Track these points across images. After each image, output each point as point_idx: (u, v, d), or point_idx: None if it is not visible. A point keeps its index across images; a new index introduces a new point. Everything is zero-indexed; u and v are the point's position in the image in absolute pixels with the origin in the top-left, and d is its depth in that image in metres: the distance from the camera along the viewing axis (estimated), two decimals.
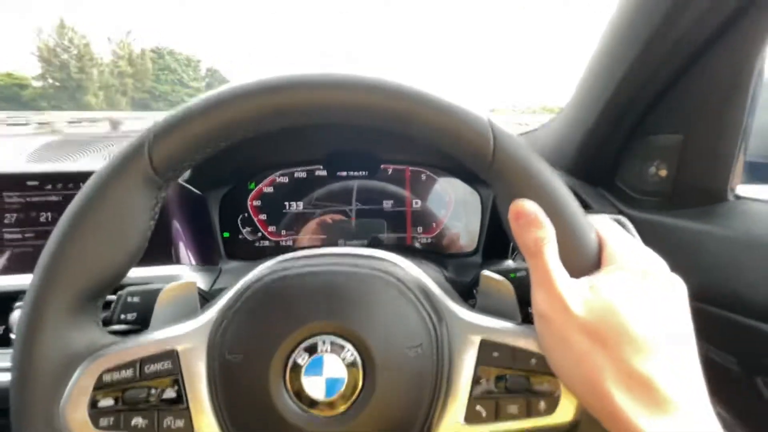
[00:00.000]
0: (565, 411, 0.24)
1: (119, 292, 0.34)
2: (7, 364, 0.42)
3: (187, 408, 0.23)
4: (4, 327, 0.43)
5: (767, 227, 0.35)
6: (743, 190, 0.42)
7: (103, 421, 0.23)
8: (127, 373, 0.23)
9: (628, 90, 0.41)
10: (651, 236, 0.40)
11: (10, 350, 0.43)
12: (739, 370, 0.36)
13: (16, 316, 0.43)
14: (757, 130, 0.41)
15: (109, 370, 0.23)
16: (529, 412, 0.24)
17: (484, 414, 0.24)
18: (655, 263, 0.23)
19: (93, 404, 0.23)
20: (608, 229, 0.25)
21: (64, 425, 0.22)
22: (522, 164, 0.23)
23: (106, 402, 0.23)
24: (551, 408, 0.24)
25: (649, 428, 0.19)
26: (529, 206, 0.23)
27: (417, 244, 0.56)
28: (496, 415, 0.24)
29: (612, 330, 0.20)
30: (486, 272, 0.30)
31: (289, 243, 0.55)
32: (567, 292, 0.21)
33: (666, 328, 0.21)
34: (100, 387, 0.23)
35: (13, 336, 0.44)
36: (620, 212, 0.46)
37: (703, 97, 0.38)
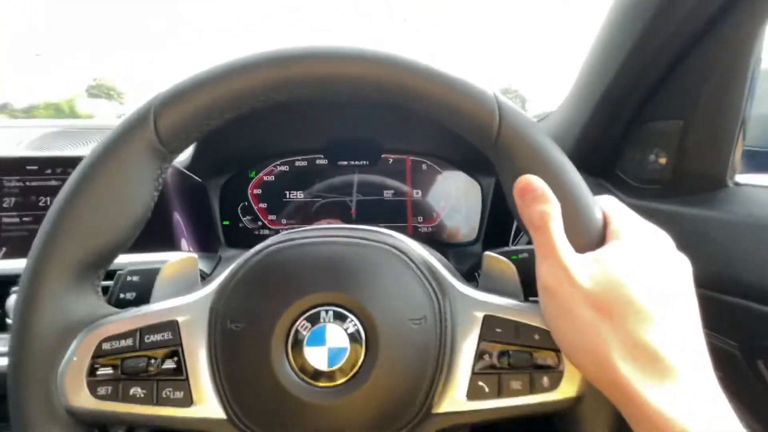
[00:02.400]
0: (569, 386, 0.24)
1: (118, 272, 0.33)
2: (5, 348, 0.42)
3: (186, 379, 0.23)
4: (0, 311, 0.43)
5: (767, 212, 0.36)
6: (743, 178, 0.42)
7: (101, 390, 0.23)
8: (127, 342, 0.23)
9: (626, 77, 0.41)
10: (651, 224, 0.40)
11: (7, 335, 0.43)
12: (741, 354, 0.36)
13: (13, 300, 0.43)
14: (757, 119, 0.41)
15: (108, 339, 0.23)
16: (532, 387, 0.24)
17: (486, 390, 0.24)
18: (661, 238, 0.24)
19: (91, 372, 0.23)
20: (613, 206, 0.25)
21: (62, 393, 0.22)
22: (528, 140, 0.23)
23: (105, 371, 0.23)
24: (554, 383, 0.24)
25: (652, 396, 0.19)
26: (535, 181, 0.23)
27: (417, 234, 0.56)
28: (499, 391, 0.24)
29: (617, 301, 0.20)
30: (489, 253, 0.30)
31: None
32: (572, 265, 0.21)
33: (670, 300, 0.21)
34: (99, 355, 0.23)
35: (10, 321, 0.43)
36: (620, 201, 0.47)
37: (702, 83, 0.39)
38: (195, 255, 0.29)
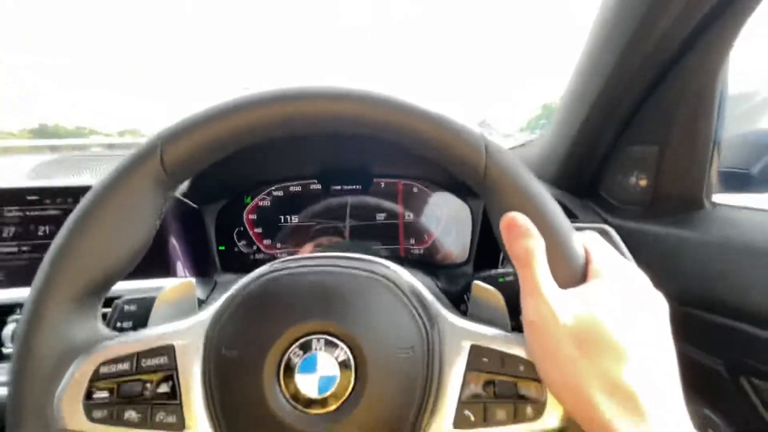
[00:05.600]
0: (551, 417, 0.24)
1: (116, 301, 0.34)
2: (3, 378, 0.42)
3: (180, 403, 0.23)
4: None
5: (743, 233, 0.37)
6: (720, 198, 0.44)
7: (97, 413, 0.23)
8: (124, 366, 0.24)
9: (605, 104, 0.43)
10: (635, 243, 0.42)
11: (3, 365, 0.43)
12: (725, 371, 0.37)
13: (9, 330, 0.43)
14: (728, 143, 0.43)
15: (106, 363, 0.24)
16: (516, 417, 0.24)
17: (472, 418, 0.24)
18: (639, 278, 0.24)
19: (88, 395, 0.23)
20: (595, 244, 0.26)
21: (58, 416, 0.23)
22: (513, 178, 0.24)
23: (101, 394, 0.23)
24: (538, 414, 0.24)
25: None
26: (519, 219, 0.23)
27: (409, 256, 0.57)
28: (485, 420, 0.24)
29: (598, 340, 0.21)
30: (477, 282, 0.31)
31: (284, 256, 0.56)
32: (556, 302, 0.22)
33: (647, 341, 0.22)
34: (96, 379, 0.23)
35: (5, 350, 0.43)
36: (605, 221, 0.48)
37: (674, 109, 0.41)
38: (192, 280, 0.30)
